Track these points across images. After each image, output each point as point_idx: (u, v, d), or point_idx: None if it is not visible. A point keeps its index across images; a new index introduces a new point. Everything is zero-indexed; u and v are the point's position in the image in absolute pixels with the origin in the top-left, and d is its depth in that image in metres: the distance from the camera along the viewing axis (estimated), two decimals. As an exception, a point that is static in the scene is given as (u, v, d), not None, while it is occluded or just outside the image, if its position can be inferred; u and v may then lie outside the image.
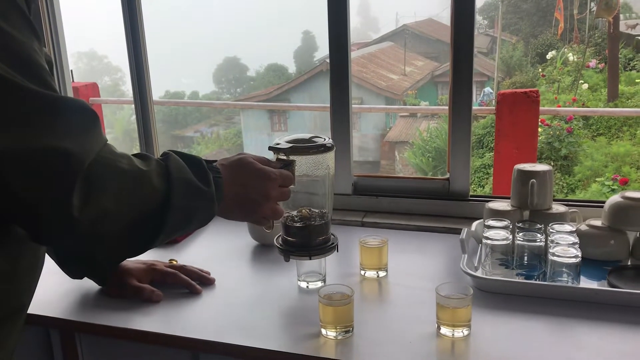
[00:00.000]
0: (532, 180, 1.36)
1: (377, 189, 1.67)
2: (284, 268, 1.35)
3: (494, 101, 14.12)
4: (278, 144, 1.10)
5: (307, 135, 1.15)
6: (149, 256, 1.36)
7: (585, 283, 1.22)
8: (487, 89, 15.15)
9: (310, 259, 1.17)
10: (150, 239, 0.87)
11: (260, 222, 1.06)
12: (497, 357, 0.99)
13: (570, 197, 7.61)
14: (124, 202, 0.81)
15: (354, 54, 17.63)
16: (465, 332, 1.05)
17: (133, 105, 1.92)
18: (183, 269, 1.30)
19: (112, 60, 30.43)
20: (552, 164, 8.39)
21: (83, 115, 0.80)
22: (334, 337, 1.05)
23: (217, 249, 1.50)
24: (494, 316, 1.12)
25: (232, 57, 29.59)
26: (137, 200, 0.83)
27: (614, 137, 9.08)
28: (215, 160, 0.99)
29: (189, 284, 1.26)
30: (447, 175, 1.61)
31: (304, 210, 1.17)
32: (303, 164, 1.11)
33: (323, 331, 1.07)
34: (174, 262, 1.34)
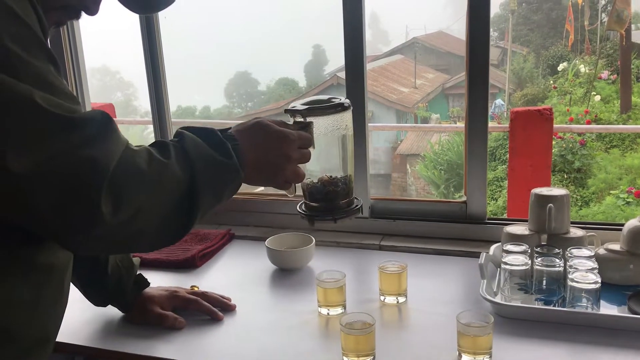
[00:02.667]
0: (549, 205, 1.36)
1: (394, 212, 1.69)
2: (304, 294, 1.37)
3: (505, 113, 14.12)
4: (294, 106, 1.07)
5: (324, 97, 1.12)
6: (171, 283, 1.39)
7: (605, 308, 1.22)
8: (499, 101, 15.14)
9: (335, 222, 1.13)
10: (187, 223, 0.87)
11: (283, 187, 1.02)
12: (519, 386, 0.99)
13: (584, 209, 7.58)
14: (152, 197, 0.81)
15: (364, 68, 17.78)
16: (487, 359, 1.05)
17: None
18: (205, 295, 1.31)
19: (124, 75, 30.75)
20: (565, 176, 8.36)
21: (100, 122, 0.79)
22: (356, 365, 1.06)
23: (236, 274, 1.51)
24: (515, 343, 1.13)
25: (243, 71, 29.80)
26: (165, 193, 0.83)
27: (627, 149, 9.03)
28: (230, 128, 0.97)
29: (211, 310, 1.28)
30: (464, 198, 1.62)
31: (325, 175, 1.13)
32: (321, 125, 1.09)
33: (345, 359, 1.08)
34: (196, 289, 1.36)
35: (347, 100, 1.10)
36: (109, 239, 0.79)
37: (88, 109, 2.11)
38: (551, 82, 14.47)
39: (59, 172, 0.73)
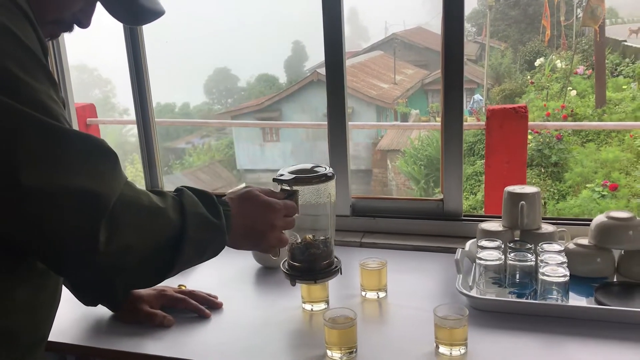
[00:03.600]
0: (521, 203, 1.43)
1: (375, 210, 1.74)
2: (288, 290, 1.41)
3: (484, 108, 14.26)
4: (282, 175, 1.16)
5: (308, 165, 1.21)
6: (167, 284, 1.43)
7: (574, 300, 1.29)
8: (477, 96, 15.28)
9: (316, 283, 1.23)
10: (165, 271, 0.92)
11: (268, 251, 1.10)
12: (493, 374, 1.05)
13: (561, 203, 7.72)
14: (143, 236, 0.86)
15: (344, 64, 17.80)
16: (462, 351, 1.11)
17: (125, 116, 1.97)
18: (192, 294, 1.36)
19: (102, 73, 30.44)
20: (542, 170, 8.50)
21: (107, 156, 0.84)
22: (339, 358, 1.11)
23: (222, 272, 1.56)
24: (489, 334, 1.19)
25: (223, 67, 29.66)
26: (155, 235, 0.88)
27: (602, 143, 9.21)
28: (224, 194, 1.05)
29: (198, 308, 1.32)
30: (441, 196, 1.68)
31: (307, 237, 1.22)
32: (306, 193, 1.17)
33: (328, 352, 1.13)
34: (183, 288, 1.40)
35: (331, 170, 1.19)
36: (100, 266, 0.83)
37: (72, 109, 2.13)
38: (528, 77, 14.64)
39: (63, 197, 0.77)
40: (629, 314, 1.19)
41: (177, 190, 0.98)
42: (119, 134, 19.11)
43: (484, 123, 3.54)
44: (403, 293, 1.37)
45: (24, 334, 0.91)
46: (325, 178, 1.18)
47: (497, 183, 3.34)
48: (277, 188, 1.16)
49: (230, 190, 1.09)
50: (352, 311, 1.14)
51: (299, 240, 1.22)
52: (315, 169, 1.20)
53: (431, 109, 18.05)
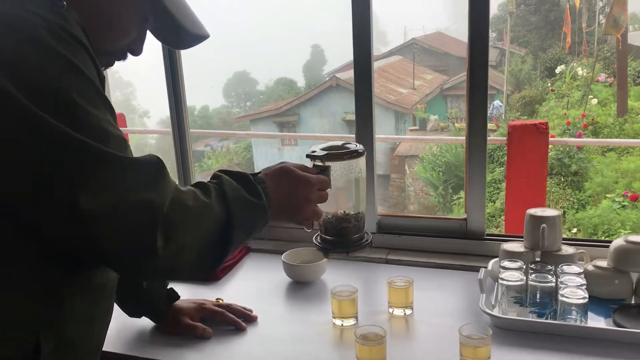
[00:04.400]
0: (543, 225, 1.49)
1: (400, 228, 1.81)
2: (318, 306, 1.50)
3: (503, 115, 14.25)
4: (314, 151, 1.21)
5: (339, 143, 1.25)
6: (195, 295, 1.52)
7: (593, 321, 1.35)
8: (497, 102, 15.26)
9: (348, 255, 1.26)
10: (220, 257, 0.98)
11: (303, 223, 1.14)
12: (515, 392, 1.12)
13: (580, 212, 7.71)
14: (195, 233, 0.92)
15: (363, 69, 17.80)
16: (486, 368, 1.18)
17: (145, 119, 2.05)
18: (229, 307, 1.44)
19: (122, 75, 30.78)
20: (562, 179, 8.49)
21: (156, 168, 0.90)
22: (370, 373, 1.19)
23: (254, 286, 1.64)
24: (511, 352, 1.25)
25: (242, 71, 29.89)
26: (206, 229, 0.94)
27: (624, 152, 9.17)
28: (259, 172, 1.10)
29: (236, 321, 1.40)
30: (465, 216, 1.75)
31: (339, 211, 1.25)
32: (337, 168, 1.21)
33: (359, 367, 1.21)
34: (220, 301, 1.48)
35: (362, 147, 1.22)
36: (159, 268, 0.90)
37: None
38: (549, 84, 14.59)
39: (122, 212, 0.84)
40: (645, 336, 1.25)
41: (216, 176, 1.02)
42: (140, 136, 19.35)
43: (505, 138, 3.60)
44: (428, 310, 1.44)
45: (82, 342, 0.98)
46: (357, 154, 1.21)
47: (517, 199, 3.40)
48: (310, 164, 1.20)
49: (265, 167, 1.12)
50: (382, 328, 1.22)
51: (331, 215, 1.25)
52: (346, 145, 1.23)
53: (450, 115, 18.04)
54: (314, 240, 1.28)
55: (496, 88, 16.39)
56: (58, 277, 0.91)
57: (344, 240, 1.25)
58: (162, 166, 0.91)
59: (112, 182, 0.84)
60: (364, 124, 1.80)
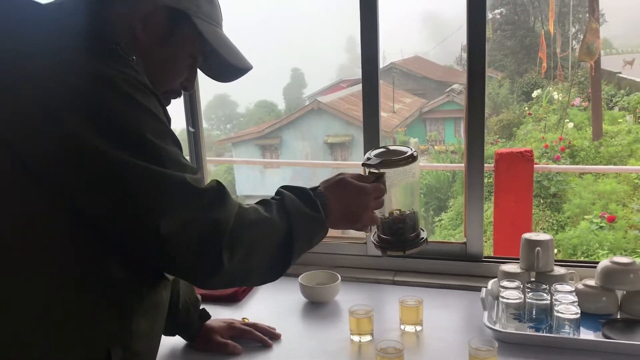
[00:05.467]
0: (537, 249, 1.65)
1: (404, 251, 1.96)
2: (336, 323, 1.64)
3: (482, 138, 14.52)
4: (369, 159, 1.26)
5: (392, 147, 1.30)
6: (218, 315, 1.64)
7: (584, 334, 1.50)
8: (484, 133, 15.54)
9: (405, 253, 1.31)
10: (286, 264, 1.08)
11: (362, 229, 1.22)
12: (519, 397, 1.27)
13: (560, 234, 7.93)
14: (258, 245, 1.02)
15: (343, 92, 17.97)
16: (493, 377, 1.33)
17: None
18: (255, 326, 1.57)
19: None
20: (542, 201, 8.73)
21: (219, 191, 1.01)
22: (390, 383, 1.33)
23: (274, 307, 1.77)
24: (513, 363, 1.40)
25: (222, 94, 30.02)
26: (268, 241, 1.04)
27: (600, 175, 9.46)
28: (319, 186, 1.19)
29: (263, 339, 1.53)
30: (464, 240, 1.91)
31: (395, 212, 1.31)
32: (392, 174, 1.26)
33: (380, 378, 1.34)
34: (247, 320, 1.61)
35: (415, 152, 1.26)
36: (228, 278, 1.01)
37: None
38: (526, 108, 14.95)
39: (194, 232, 0.95)
40: (632, 347, 1.41)
41: (278, 193, 1.12)
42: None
43: (492, 165, 3.80)
44: (437, 327, 1.59)
45: (143, 356, 1.10)
46: (411, 160, 1.25)
47: (506, 221, 3.59)
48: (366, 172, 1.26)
49: (324, 180, 1.21)
50: (400, 343, 1.36)
51: (387, 216, 1.31)
52: (399, 150, 1.27)
53: (429, 137, 18.34)
54: (372, 239, 1.34)
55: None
56: (129, 297, 1.03)
57: (400, 239, 1.30)
58: (223, 190, 1.02)
59: (185, 206, 0.95)
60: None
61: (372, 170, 1.24)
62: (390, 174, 1.25)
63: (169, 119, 1.04)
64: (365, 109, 1.96)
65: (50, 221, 0.93)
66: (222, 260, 0.96)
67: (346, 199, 1.17)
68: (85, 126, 0.90)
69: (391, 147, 1.30)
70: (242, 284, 1.15)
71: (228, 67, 1.16)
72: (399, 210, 1.31)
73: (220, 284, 1.04)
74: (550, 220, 8.35)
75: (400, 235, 1.30)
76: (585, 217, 7.99)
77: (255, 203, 1.09)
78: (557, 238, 7.75)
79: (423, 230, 1.34)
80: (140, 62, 1.01)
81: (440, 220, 10.72)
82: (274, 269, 1.08)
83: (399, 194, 1.31)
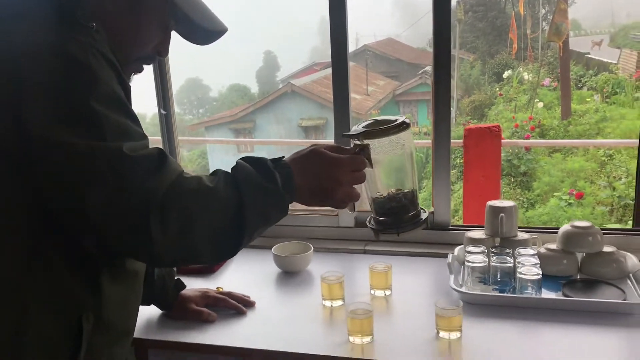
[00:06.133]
0: (501, 215, 1.72)
1: (374, 222, 2.01)
2: (308, 291, 1.68)
3: (454, 119, 14.67)
4: (355, 130, 1.14)
5: (387, 118, 1.17)
6: (194, 286, 1.67)
7: (545, 294, 1.57)
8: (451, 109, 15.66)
9: (398, 235, 1.20)
10: (238, 240, 0.99)
11: (339, 206, 1.11)
12: (483, 353, 1.32)
13: (530, 211, 8.09)
14: (198, 217, 0.94)
15: (317, 75, 17.94)
16: (458, 335, 1.38)
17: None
18: (230, 294, 1.61)
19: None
20: (512, 180, 8.88)
21: (157, 158, 0.95)
22: (360, 342, 1.38)
23: (248, 277, 1.81)
24: (478, 322, 1.46)
25: (194, 77, 29.70)
26: (212, 212, 0.95)
27: (569, 153, 9.64)
28: (283, 157, 1.08)
29: (237, 306, 1.57)
30: (432, 209, 1.96)
31: (390, 190, 1.20)
32: (377, 146, 1.13)
33: (350, 338, 1.39)
34: (221, 289, 1.65)
35: (403, 119, 1.14)
36: (169, 251, 0.94)
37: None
38: (497, 89, 15.10)
39: (121, 202, 0.90)
40: (589, 304, 1.48)
41: (236, 163, 1.03)
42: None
43: (461, 141, 3.88)
44: (405, 291, 1.64)
45: (117, 324, 1.11)
46: (398, 129, 1.13)
47: (475, 195, 3.68)
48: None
49: (296, 151, 1.09)
50: (369, 305, 1.41)
51: (382, 195, 1.20)
52: (388, 119, 1.15)
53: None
54: (367, 223, 1.24)
55: (447, 93, 16.76)
56: (101, 266, 1.03)
57: (395, 220, 1.19)
58: (163, 157, 0.96)
59: (116, 176, 0.90)
60: (341, 126, 1.99)
61: (356, 141, 1.13)
62: (377, 145, 1.12)
63: (127, 90, 1.00)
64: (336, 91, 1.98)
65: (16, 194, 0.95)
66: (150, 231, 0.89)
67: (316, 172, 1.06)
68: (27, 95, 0.90)
69: (380, 118, 1.18)
70: (191, 260, 1.02)
71: (202, 30, 1.12)
72: (395, 189, 1.20)
73: (164, 259, 0.97)
74: (521, 198, 8.50)
75: (395, 216, 1.20)
76: (554, 194, 8.15)
77: (203, 175, 1.01)
78: (527, 215, 7.91)
79: (424, 211, 1.23)
80: (100, 30, 0.98)
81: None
82: (225, 245, 1.00)
83: (390, 168, 1.20)
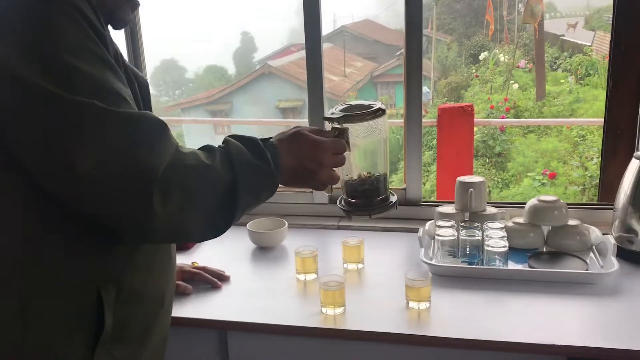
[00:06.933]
0: (470, 190, 1.76)
1: (348, 198, 2.05)
2: (283, 265, 1.72)
3: (431, 101, 14.76)
4: (333, 113, 1.17)
5: (363, 102, 1.21)
6: (177, 261, 1.69)
7: (512, 266, 1.62)
8: (424, 89, 15.74)
9: (370, 217, 1.25)
10: (229, 217, 0.98)
11: (319, 188, 1.13)
12: (452, 322, 1.37)
13: (505, 191, 8.21)
14: (197, 194, 0.93)
15: (294, 56, 17.87)
16: (427, 305, 1.43)
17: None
18: (205, 269, 1.63)
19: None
20: (487, 160, 8.98)
21: (154, 128, 0.91)
22: (332, 313, 1.42)
23: (223, 253, 1.84)
24: (447, 293, 1.51)
25: (170, 59, 29.35)
26: (208, 190, 0.94)
27: (542, 134, 9.75)
28: (271, 137, 1.09)
29: (212, 280, 1.60)
30: (404, 186, 2.01)
31: (362, 174, 1.23)
32: (355, 130, 1.16)
33: (323, 310, 1.43)
34: (196, 264, 1.68)
35: (381, 105, 1.18)
36: (164, 231, 0.93)
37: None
38: (473, 70, 15.17)
39: (115, 173, 0.86)
40: (554, 274, 1.54)
41: (224, 141, 1.02)
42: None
43: (435, 120, 3.93)
44: (377, 264, 1.69)
45: (145, 292, 1.06)
46: (374, 114, 1.16)
47: (448, 173, 3.73)
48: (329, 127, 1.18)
49: (280, 132, 1.11)
50: (341, 277, 1.45)
51: (355, 177, 1.23)
52: (364, 104, 1.19)
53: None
54: (337, 204, 1.28)
55: (424, 75, 16.81)
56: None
57: (367, 202, 1.23)
58: (164, 127, 0.93)
59: (108, 142, 0.86)
60: (315, 111, 2.02)
61: (335, 125, 1.16)
62: (354, 130, 1.17)
63: (99, 35, 0.92)
64: (309, 73, 2.00)
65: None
66: (152, 208, 0.87)
67: (300, 153, 1.07)
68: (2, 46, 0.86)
69: (355, 103, 1.22)
70: (181, 237, 1.01)
71: None
72: (367, 172, 1.24)
73: (155, 235, 0.94)
74: (496, 178, 8.60)
75: (367, 199, 1.24)
76: (528, 174, 8.27)
77: (198, 149, 1.00)
78: (502, 195, 8.02)
79: (393, 195, 1.28)
80: None
81: (391, 182, 10.89)
82: (216, 223, 0.99)
83: (365, 152, 1.24)
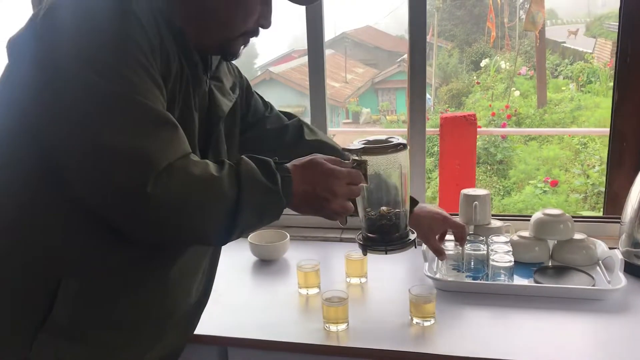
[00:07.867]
0: (475, 203, 1.74)
1: (350, 210, 2.03)
2: (285, 279, 1.70)
3: (432, 107, 14.76)
4: (353, 145, 1.18)
5: (383, 137, 1.21)
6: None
7: (518, 280, 1.60)
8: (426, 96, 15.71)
9: (386, 253, 1.25)
10: (229, 233, 0.98)
11: (332, 217, 1.11)
12: (456, 339, 1.35)
13: (506, 199, 8.19)
14: (199, 202, 0.93)
15: (295, 63, 17.90)
16: (432, 322, 1.41)
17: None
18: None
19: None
20: (488, 168, 8.96)
21: (165, 127, 0.94)
22: (335, 330, 1.39)
23: (224, 264, 1.78)
24: (452, 309, 1.48)
25: (172, 65, 29.35)
26: (212, 201, 0.94)
27: (544, 141, 9.73)
28: (288, 161, 1.08)
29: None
30: (407, 197, 1.99)
31: (382, 209, 1.24)
32: (374, 163, 1.17)
33: (326, 326, 1.41)
34: None
35: (402, 141, 1.19)
36: (156, 224, 0.93)
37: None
38: (474, 77, 15.18)
39: (122, 154, 0.89)
40: (559, 290, 1.52)
41: (239, 158, 1.02)
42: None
43: (437, 129, 3.91)
44: (381, 279, 1.67)
45: (110, 306, 1.04)
46: (394, 149, 1.17)
47: (450, 182, 3.72)
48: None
49: (297, 158, 1.10)
50: (345, 292, 1.43)
51: (374, 212, 1.24)
52: (388, 139, 1.19)
53: (381, 108, 18.45)
54: (356, 238, 1.30)
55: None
56: (92, 227, 0.98)
57: (383, 238, 1.24)
58: (172, 129, 0.95)
59: (128, 124, 0.90)
60: (317, 118, 2.00)
61: (354, 157, 1.16)
62: (372, 163, 1.17)
63: (156, 50, 0.96)
64: (312, 79, 1.98)
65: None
66: (145, 195, 0.88)
67: (313, 181, 1.06)
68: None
69: (373, 138, 1.22)
70: (179, 242, 1.04)
71: None
72: (387, 208, 1.24)
73: (149, 230, 0.95)
74: (497, 186, 8.57)
75: (384, 234, 1.24)
76: (529, 182, 8.24)
77: (212, 162, 1.00)
78: (503, 203, 7.99)
79: (413, 232, 1.28)
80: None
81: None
82: (217, 235, 0.99)
83: (384, 187, 1.23)
